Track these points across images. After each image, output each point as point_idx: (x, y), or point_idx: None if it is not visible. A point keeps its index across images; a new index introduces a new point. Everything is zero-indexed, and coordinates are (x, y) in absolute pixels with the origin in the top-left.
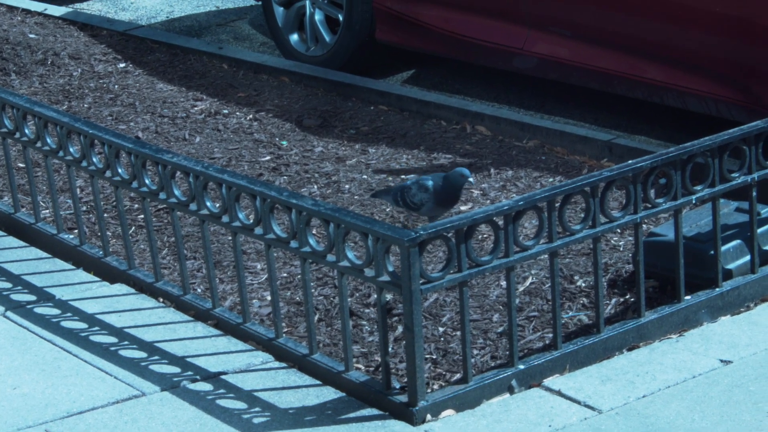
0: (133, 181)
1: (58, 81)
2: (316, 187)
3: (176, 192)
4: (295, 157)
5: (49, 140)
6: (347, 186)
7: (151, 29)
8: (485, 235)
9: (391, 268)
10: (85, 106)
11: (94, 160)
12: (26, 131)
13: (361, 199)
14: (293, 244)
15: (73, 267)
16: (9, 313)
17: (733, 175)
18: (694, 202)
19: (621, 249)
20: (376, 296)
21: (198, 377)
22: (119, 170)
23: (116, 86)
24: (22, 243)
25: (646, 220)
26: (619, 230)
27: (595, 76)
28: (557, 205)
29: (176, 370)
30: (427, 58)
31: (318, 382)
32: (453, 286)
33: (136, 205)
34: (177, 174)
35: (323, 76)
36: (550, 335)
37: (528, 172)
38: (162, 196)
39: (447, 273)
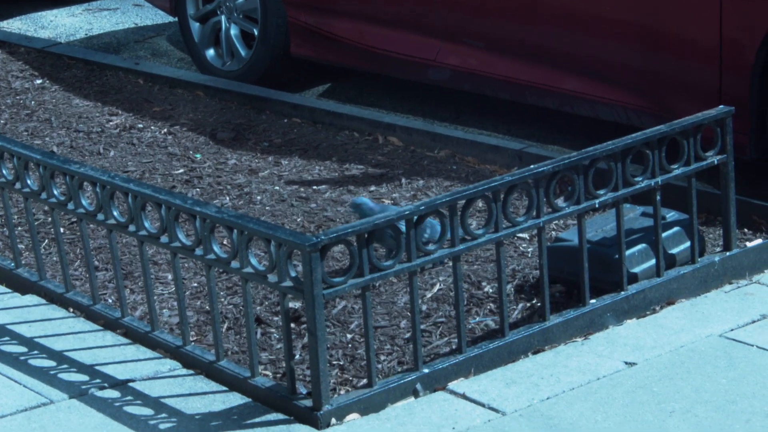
0: (42, 192)
1: None
2: (228, 198)
3: (84, 202)
4: (208, 169)
5: None
6: (259, 197)
7: (69, 46)
8: None
9: (293, 274)
10: (1, 122)
11: (4, 172)
12: None
13: (273, 209)
14: (198, 251)
15: None
16: None
17: (636, 179)
18: (597, 206)
19: (529, 255)
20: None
21: (106, 385)
22: (28, 182)
23: (33, 102)
24: None
25: (553, 226)
26: (527, 236)
27: (506, 86)
28: (459, 210)
29: (85, 378)
30: (343, 72)
31: (225, 388)
32: (356, 291)
33: (50, 218)
34: (85, 185)
35: (237, 89)
36: (457, 340)
37: (439, 182)
38: (70, 206)
39: (349, 278)
